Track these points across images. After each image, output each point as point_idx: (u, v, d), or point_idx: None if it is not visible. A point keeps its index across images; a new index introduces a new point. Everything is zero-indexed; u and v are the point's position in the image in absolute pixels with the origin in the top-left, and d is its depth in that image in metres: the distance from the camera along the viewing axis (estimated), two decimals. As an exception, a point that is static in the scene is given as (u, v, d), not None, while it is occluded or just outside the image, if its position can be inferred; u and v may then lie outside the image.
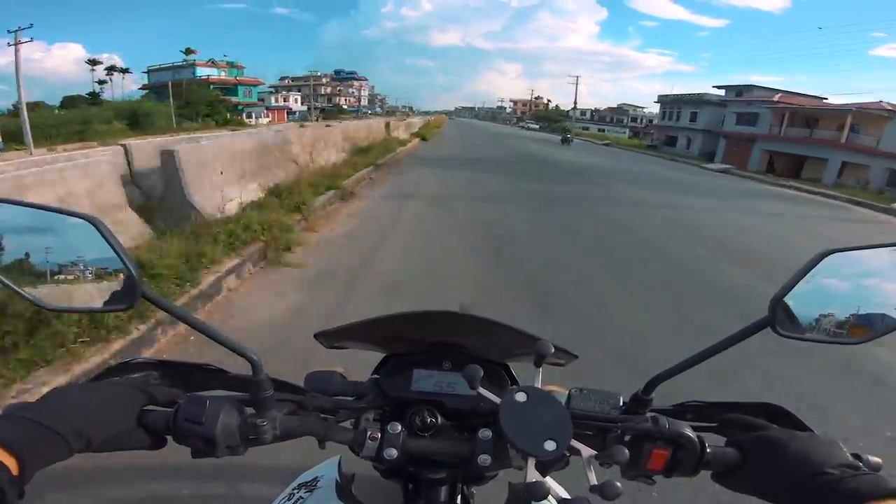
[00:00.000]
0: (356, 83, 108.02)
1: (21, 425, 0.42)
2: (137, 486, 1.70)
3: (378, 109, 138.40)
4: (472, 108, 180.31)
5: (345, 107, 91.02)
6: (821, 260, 0.49)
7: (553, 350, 0.52)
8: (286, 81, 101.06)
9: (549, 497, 0.41)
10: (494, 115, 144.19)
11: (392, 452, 0.56)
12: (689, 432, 0.53)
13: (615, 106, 79.69)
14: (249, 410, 0.53)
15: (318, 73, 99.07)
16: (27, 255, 0.49)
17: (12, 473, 0.38)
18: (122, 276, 0.49)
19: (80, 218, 0.48)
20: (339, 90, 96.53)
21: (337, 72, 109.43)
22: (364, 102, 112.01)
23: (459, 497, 0.63)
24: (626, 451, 0.47)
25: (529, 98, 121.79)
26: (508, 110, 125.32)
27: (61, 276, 0.50)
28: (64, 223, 0.49)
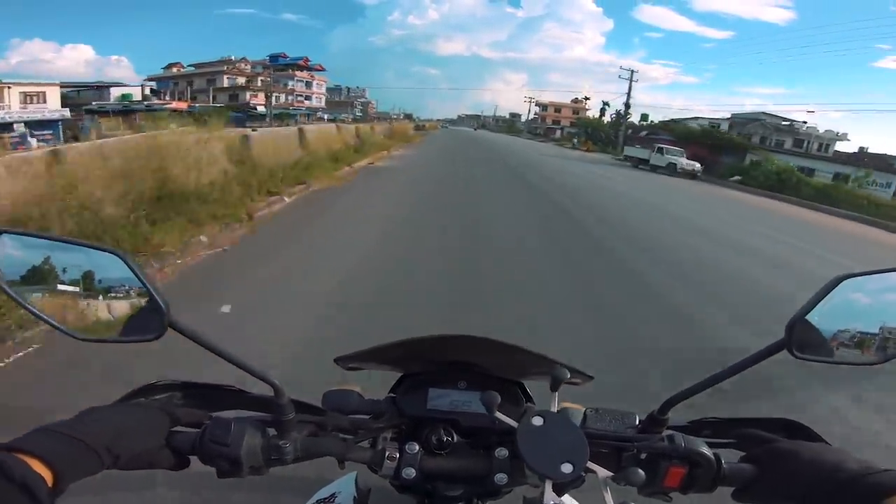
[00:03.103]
0: (303, 73, 70.14)
1: (57, 439, 0.43)
2: (156, 502, 1.69)
3: (357, 114, 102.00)
4: (478, 116, 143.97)
5: (260, 109, 52.72)
6: (836, 285, 0.50)
7: (568, 376, 0.54)
8: (175, 70, 63.42)
9: None
10: (512, 125, 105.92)
11: (410, 472, 0.57)
12: (705, 449, 0.53)
13: (728, 117, 42.17)
14: (271, 431, 0.55)
15: (234, 58, 61.42)
16: (57, 286, 0.51)
17: (48, 486, 0.39)
18: (148, 306, 0.50)
19: (105, 251, 0.50)
20: (252, 83, 58.10)
21: (273, 57, 71.53)
22: (319, 103, 74.17)
23: None
24: (642, 472, 0.47)
25: (570, 101, 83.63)
26: (533, 116, 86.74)
27: (91, 308, 0.51)
28: (91, 256, 0.51)
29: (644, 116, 52.97)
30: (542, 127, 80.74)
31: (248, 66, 60.67)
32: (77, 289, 0.51)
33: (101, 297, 0.51)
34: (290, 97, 66.39)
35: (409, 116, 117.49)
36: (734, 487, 0.54)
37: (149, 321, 0.50)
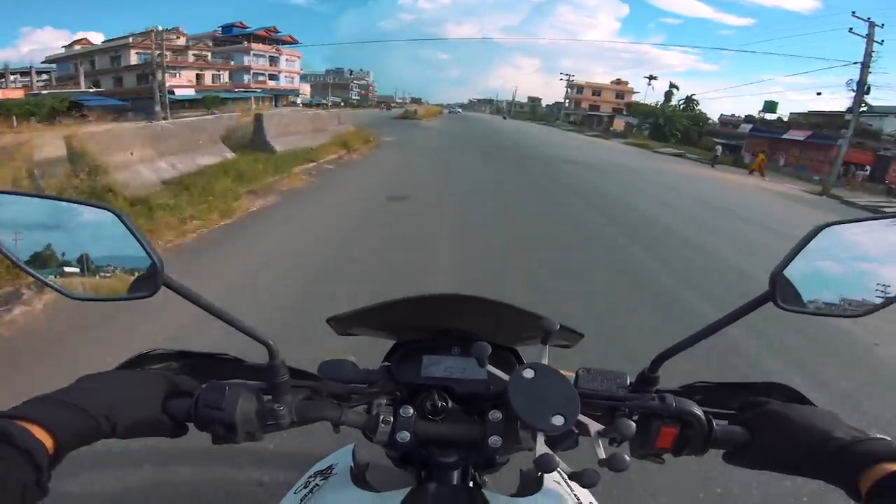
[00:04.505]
0: (265, 46, 53.48)
1: (57, 406, 0.42)
2: (153, 474, 1.68)
3: (353, 98, 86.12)
4: (491, 101, 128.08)
5: (183, 93, 36.46)
6: (817, 233, 0.48)
7: (558, 327, 0.53)
8: (79, 46, 46.73)
9: (558, 469, 0.44)
10: (533, 110, 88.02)
11: (405, 436, 0.56)
12: (697, 410, 0.53)
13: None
14: (267, 396, 0.55)
15: (161, 28, 44.73)
16: (52, 245, 0.50)
17: (48, 452, 0.39)
18: (144, 264, 0.49)
19: (101, 209, 0.49)
20: (179, 57, 41.42)
21: (226, 27, 54.72)
22: (291, 83, 57.67)
23: (471, 482, 0.63)
24: (633, 424, 0.48)
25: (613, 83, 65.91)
26: (562, 100, 68.79)
27: (85, 266, 0.50)
28: (86, 214, 0.50)
29: (771, 106, 35.05)
30: (579, 113, 63.10)
31: (183, 39, 44.05)
32: (72, 247, 0.50)
33: (94, 255, 0.50)
34: (246, 76, 49.97)
35: (416, 101, 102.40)
36: (725, 450, 0.53)
37: (143, 279, 0.49)
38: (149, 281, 0.49)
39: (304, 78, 72.20)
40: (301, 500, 0.66)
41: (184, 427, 0.53)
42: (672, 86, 46.20)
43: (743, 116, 42.72)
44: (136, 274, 0.50)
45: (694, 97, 44.58)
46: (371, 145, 13.93)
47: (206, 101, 34.38)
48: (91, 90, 31.87)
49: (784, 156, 21.51)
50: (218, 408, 0.50)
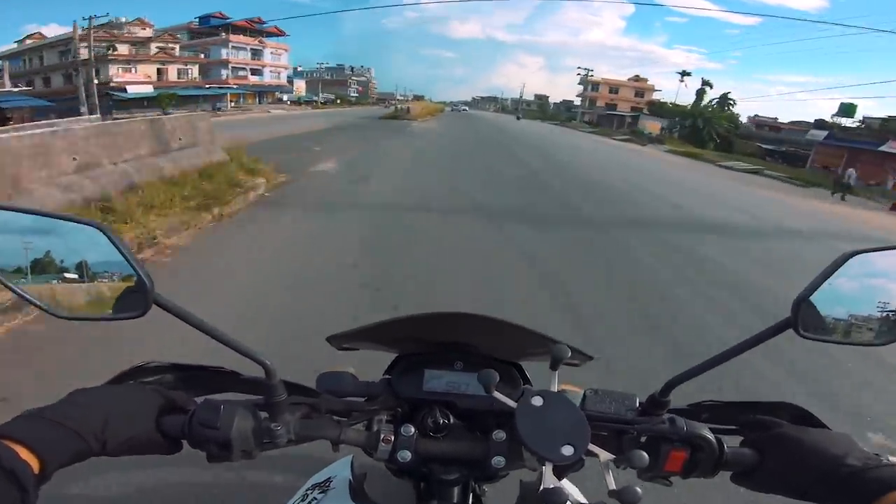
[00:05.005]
0: (247, 38, 48.23)
1: (43, 425, 0.41)
2: (149, 484, 1.65)
3: (352, 95, 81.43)
4: (496, 99, 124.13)
5: (136, 90, 31.22)
6: (845, 261, 0.47)
7: (569, 353, 0.51)
8: (31, 41, 41.09)
9: (567, 503, 0.43)
10: (542, 109, 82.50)
11: (406, 455, 0.55)
12: (707, 433, 0.52)
13: None
14: (263, 414, 0.53)
15: (124, 19, 39.27)
16: (37, 262, 0.48)
17: (34, 472, 0.38)
18: (133, 282, 0.48)
19: (87, 225, 0.47)
20: (137, 50, 36.10)
21: (203, 18, 49.31)
22: (278, 78, 52.61)
23: (471, 495, 0.62)
24: (646, 455, 0.46)
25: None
26: (578, 98, 63.22)
27: (72, 284, 0.49)
28: (72, 230, 0.48)
29: (848, 109, 29.30)
30: (594, 112, 57.35)
31: (149, 30, 38.84)
32: (59, 265, 0.48)
33: (83, 274, 0.49)
34: (224, 70, 44.80)
35: (419, 98, 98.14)
36: (733, 472, 0.53)
37: (133, 298, 0.48)
38: (138, 299, 0.47)
39: (300, 74, 67.01)
40: None
41: (178, 444, 0.51)
42: (705, 83, 40.63)
43: (777, 118, 37.08)
44: (126, 291, 0.48)
45: (729, 96, 38.94)
46: (238, 209, 5.51)
47: (160, 100, 29.16)
48: (16, 90, 26.70)
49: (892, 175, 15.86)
50: (213, 427, 0.49)
